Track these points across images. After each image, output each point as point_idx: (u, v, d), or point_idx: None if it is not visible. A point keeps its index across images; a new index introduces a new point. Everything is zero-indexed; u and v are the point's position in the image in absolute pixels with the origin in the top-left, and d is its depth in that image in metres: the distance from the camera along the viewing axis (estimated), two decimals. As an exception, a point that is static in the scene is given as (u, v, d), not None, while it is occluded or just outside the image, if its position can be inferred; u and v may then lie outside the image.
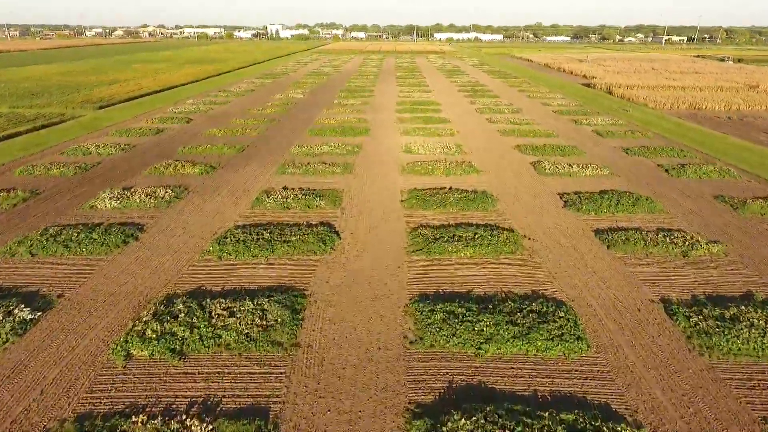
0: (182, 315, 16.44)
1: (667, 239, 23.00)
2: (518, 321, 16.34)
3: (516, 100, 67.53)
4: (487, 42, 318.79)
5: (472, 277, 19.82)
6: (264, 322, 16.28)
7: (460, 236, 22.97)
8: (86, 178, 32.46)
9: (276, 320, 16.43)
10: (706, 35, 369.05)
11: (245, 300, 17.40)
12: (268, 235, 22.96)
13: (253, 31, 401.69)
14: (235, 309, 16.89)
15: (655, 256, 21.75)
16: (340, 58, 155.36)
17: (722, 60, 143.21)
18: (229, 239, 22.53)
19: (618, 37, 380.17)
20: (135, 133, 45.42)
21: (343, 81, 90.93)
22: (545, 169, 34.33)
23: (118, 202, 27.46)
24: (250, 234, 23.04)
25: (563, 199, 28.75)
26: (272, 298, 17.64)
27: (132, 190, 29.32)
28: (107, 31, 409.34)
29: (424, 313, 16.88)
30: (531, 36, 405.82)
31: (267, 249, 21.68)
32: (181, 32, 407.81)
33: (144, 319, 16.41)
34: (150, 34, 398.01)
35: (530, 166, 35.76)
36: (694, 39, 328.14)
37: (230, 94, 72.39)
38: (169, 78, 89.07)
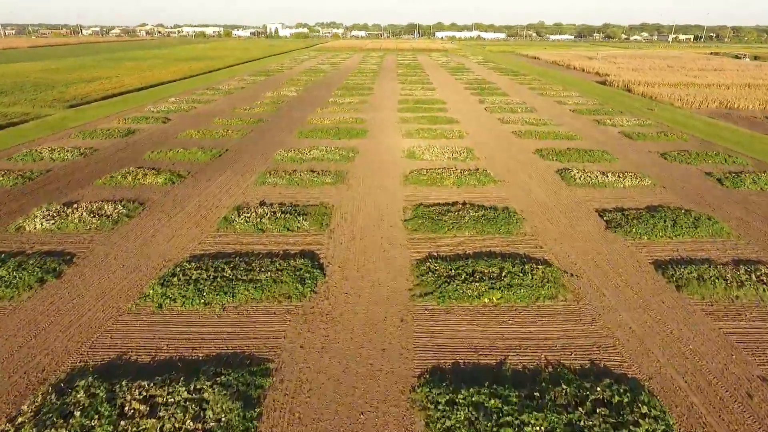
0: (78, 412, 11.00)
1: (753, 276, 17.56)
2: (583, 423, 10.88)
3: (528, 99, 62.01)
4: (490, 40, 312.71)
5: (504, 338, 14.36)
6: (200, 425, 10.83)
7: (481, 272, 17.53)
8: (27, 189, 27.05)
9: (219, 420, 11.00)
10: (711, 34, 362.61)
11: (178, 384, 11.96)
12: (230, 271, 17.52)
13: (252, 30, 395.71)
14: (160, 400, 11.45)
15: (744, 303, 16.27)
16: (338, 56, 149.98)
17: (738, 57, 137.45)
18: (178, 278, 17.09)
19: (623, 36, 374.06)
20: (101, 134, 39.97)
21: (340, 78, 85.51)
22: (575, 179, 28.83)
23: (53, 222, 22.01)
24: (207, 270, 17.60)
25: (604, 218, 23.25)
26: (219, 379, 12.19)
27: (75, 205, 23.92)
28: (105, 30, 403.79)
29: (439, 407, 11.41)
30: (534, 35, 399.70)
31: (226, 293, 16.23)
32: (179, 31, 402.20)
33: (21, 419, 10.99)
34: (147, 32, 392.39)
35: (556, 175, 30.25)
36: (701, 38, 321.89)
37: (218, 91, 66.96)
38: (155, 75, 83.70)
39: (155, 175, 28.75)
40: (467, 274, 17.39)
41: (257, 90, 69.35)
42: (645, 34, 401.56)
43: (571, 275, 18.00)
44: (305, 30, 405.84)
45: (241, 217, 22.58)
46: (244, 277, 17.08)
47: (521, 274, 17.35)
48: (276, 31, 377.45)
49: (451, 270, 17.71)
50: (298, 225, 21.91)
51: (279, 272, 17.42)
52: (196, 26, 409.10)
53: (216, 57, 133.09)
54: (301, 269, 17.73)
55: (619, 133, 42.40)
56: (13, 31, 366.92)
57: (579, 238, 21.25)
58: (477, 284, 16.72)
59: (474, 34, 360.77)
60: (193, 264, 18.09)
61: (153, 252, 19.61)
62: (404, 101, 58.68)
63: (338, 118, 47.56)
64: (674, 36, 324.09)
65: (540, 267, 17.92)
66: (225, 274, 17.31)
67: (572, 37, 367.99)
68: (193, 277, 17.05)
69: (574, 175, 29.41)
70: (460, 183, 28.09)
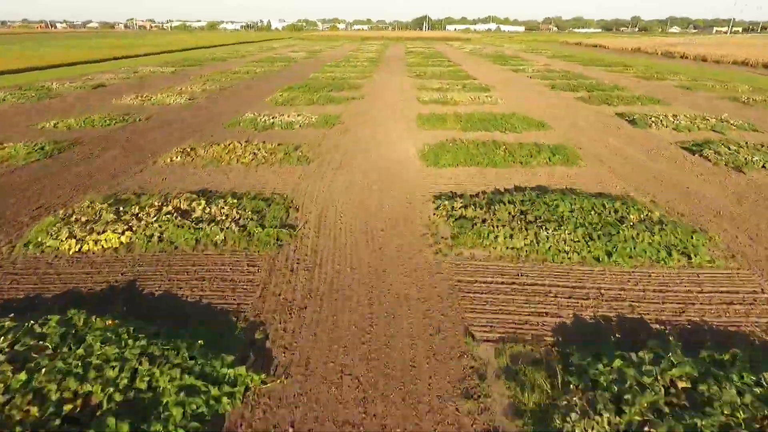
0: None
1: None
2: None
3: (750, 116, 25.19)
4: (510, 32, 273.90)
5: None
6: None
7: None
8: None
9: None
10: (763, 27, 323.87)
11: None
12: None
13: (242, 24, 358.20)
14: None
15: None
16: (326, 44, 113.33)
17: None
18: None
19: (659, 29, 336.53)
20: None
21: (309, 70, 48.72)
22: None
23: None
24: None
25: None
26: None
27: None
28: (84, 23, 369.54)
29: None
30: (555, 28, 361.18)
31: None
32: (163, 26, 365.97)
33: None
34: (126, 26, 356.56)
35: None
36: (757, 29, 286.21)
37: (23, 97, 30.72)
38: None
39: None
40: None
41: (114, 94, 32.98)
42: (677, 28, 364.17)
43: None
44: (303, 24, 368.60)
45: None
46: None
47: None
48: (268, 23, 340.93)
49: None
50: None
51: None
52: (193, 22, 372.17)
53: (155, 44, 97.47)
54: None
55: None
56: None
57: None
58: None
59: (492, 26, 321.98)
60: None
61: None
62: (433, 120, 22.00)
63: (168, 227, 10.88)
64: (721, 29, 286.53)
65: None
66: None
67: (599, 30, 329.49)
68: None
69: None
70: None
